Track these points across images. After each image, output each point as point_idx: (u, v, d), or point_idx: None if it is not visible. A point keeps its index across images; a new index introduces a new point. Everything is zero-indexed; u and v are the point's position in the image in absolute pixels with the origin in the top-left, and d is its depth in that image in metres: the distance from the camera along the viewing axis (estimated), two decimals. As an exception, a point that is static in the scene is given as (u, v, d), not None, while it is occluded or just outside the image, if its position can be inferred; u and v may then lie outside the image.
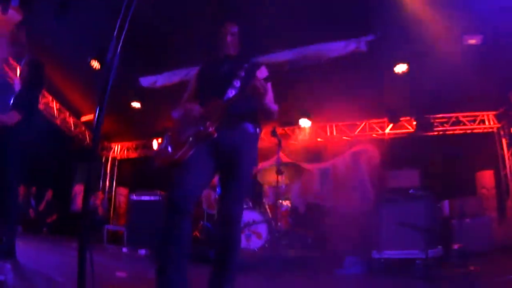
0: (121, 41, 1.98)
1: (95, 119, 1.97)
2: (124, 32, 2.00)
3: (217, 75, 3.42)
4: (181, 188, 3.00)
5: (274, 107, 3.38)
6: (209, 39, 3.69)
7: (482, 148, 9.50)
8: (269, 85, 3.21)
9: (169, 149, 3.23)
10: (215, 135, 3.13)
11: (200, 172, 3.13)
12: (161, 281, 2.81)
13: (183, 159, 3.11)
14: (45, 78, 5.65)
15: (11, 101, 5.17)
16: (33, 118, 5.25)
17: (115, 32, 1.99)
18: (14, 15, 7.49)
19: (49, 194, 12.13)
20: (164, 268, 2.85)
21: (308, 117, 10.23)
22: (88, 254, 1.98)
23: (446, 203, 8.04)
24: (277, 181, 6.99)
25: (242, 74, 3.37)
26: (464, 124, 10.03)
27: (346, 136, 11.07)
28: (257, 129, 3.40)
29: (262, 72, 3.41)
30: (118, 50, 1.94)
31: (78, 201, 13.32)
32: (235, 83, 3.32)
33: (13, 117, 5.01)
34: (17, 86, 5.42)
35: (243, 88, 3.21)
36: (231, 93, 3.27)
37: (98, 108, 1.95)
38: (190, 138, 3.15)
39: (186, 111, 3.34)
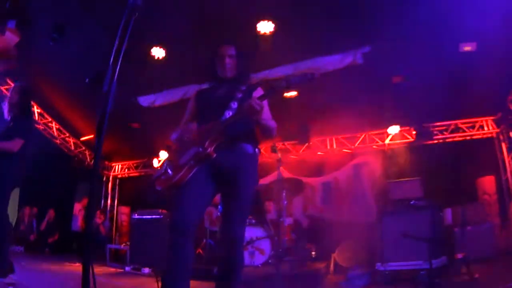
0: (117, 69, 2.00)
1: (95, 149, 1.98)
2: (119, 60, 2.02)
3: (215, 98, 3.45)
4: (182, 211, 3.02)
5: (273, 124, 3.39)
6: (207, 59, 3.69)
7: (482, 154, 9.49)
8: (265, 102, 3.23)
9: (169, 171, 3.24)
10: (214, 155, 3.14)
11: (200, 194, 3.14)
12: None
13: (183, 182, 3.12)
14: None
15: (8, 127, 5.25)
16: (30, 144, 5.35)
17: (111, 60, 2.01)
18: (11, 37, 7.53)
19: (50, 214, 12.11)
20: (168, 286, 2.87)
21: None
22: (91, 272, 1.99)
23: (448, 212, 8.02)
24: (279, 197, 7.01)
25: (239, 95, 3.39)
26: (464, 131, 10.01)
27: (346, 149, 11.06)
28: (256, 150, 3.41)
29: (259, 93, 3.41)
30: (115, 79, 1.96)
31: (79, 221, 13.33)
32: (232, 104, 3.33)
33: (17, 144, 5.13)
34: (9, 112, 5.44)
35: (240, 108, 3.22)
36: (228, 114, 3.28)
37: (97, 138, 1.96)
38: (190, 160, 3.17)
39: (185, 133, 3.36)
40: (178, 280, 2.91)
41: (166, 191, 3.24)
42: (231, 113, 3.29)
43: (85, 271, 1.93)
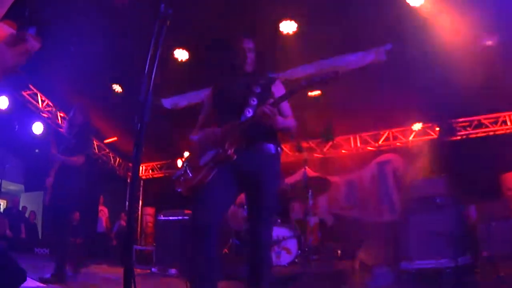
0: (152, 79, 2.02)
1: (134, 158, 2.01)
2: (154, 70, 2.04)
3: (233, 94, 3.39)
4: (203, 213, 3.01)
5: (291, 123, 3.34)
6: (227, 57, 3.64)
7: (506, 149, 9.35)
8: (286, 103, 3.22)
9: (189, 173, 3.23)
10: (234, 157, 3.10)
11: (220, 195, 3.11)
12: None
13: (203, 183, 3.10)
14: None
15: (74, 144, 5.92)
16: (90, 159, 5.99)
17: (146, 71, 2.03)
18: (33, 44, 7.63)
19: (75, 217, 12.24)
20: None
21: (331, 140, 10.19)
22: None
23: (472, 209, 7.92)
24: (305, 196, 7.01)
25: (258, 90, 3.32)
26: (487, 126, 9.90)
27: (370, 147, 11.00)
28: (278, 149, 3.35)
29: (277, 87, 3.40)
30: (151, 89, 1.98)
31: (103, 222, 13.46)
32: (251, 101, 3.27)
33: (80, 160, 5.96)
34: (70, 130, 6.06)
35: (261, 104, 3.17)
36: (249, 112, 3.23)
37: (135, 148, 1.99)
38: (209, 162, 3.15)
39: (205, 135, 3.32)
40: (206, 282, 2.92)
41: (186, 193, 3.23)
42: (250, 111, 3.23)
43: (127, 276, 1.96)
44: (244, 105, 3.27)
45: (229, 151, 3.10)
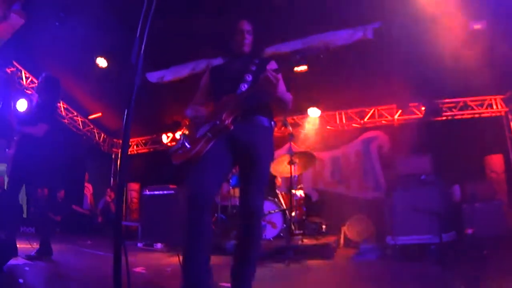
0: (144, 41, 1.99)
1: (124, 119, 1.99)
2: (146, 33, 2.01)
3: (230, 71, 3.47)
4: (200, 185, 3.03)
5: (288, 96, 3.41)
6: (214, 33, 3.69)
7: (491, 132, 9.46)
8: (280, 75, 3.23)
9: (187, 145, 3.25)
10: (231, 127, 3.17)
11: (218, 167, 3.17)
12: (187, 274, 2.88)
13: (201, 154, 3.14)
14: (61, 91, 6.12)
15: (34, 114, 5.59)
16: (55, 128, 5.73)
17: (138, 33, 2.00)
18: (16, 19, 7.51)
19: (60, 195, 12.19)
20: (189, 261, 2.91)
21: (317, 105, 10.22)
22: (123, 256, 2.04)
23: (457, 188, 8.03)
24: (290, 171, 7.04)
25: (253, 68, 3.41)
26: (472, 109, 9.98)
27: (355, 124, 11.05)
28: (272, 123, 3.42)
29: (272, 66, 3.43)
30: (142, 50, 1.96)
31: (88, 199, 13.44)
32: (247, 77, 3.36)
33: (42, 129, 5.57)
34: (36, 99, 5.83)
35: (255, 81, 3.24)
36: (244, 87, 3.30)
37: (127, 109, 1.96)
38: (207, 133, 3.19)
39: (201, 109, 3.41)
40: (199, 254, 2.94)
41: (183, 165, 3.25)
42: (246, 86, 3.31)
43: (117, 254, 1.96)
44: (239, 81, 3.35)
45: (227, 121, 3.16)
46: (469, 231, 6.29)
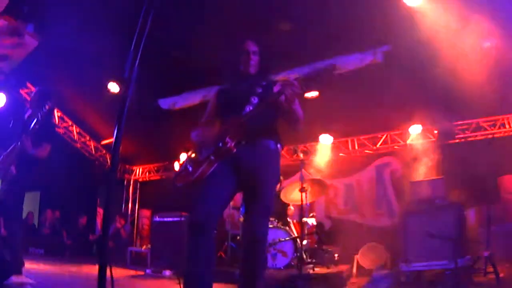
0: (139, 55, 1.96)
1: (116, 134, 1.95)
2: (141, 46, 1.98)
3: (236, 93, 3.44)
4: (202, 207, 2.99)
5: (301, 112, 3.32)
6: (226, 59, 3.67)
7: (505, 152, 9.31)
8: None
9: (189, 168, 3.21)
10: (234, 150, 3.10)
11: (220, 189, 3.11)
12: None
13: (203, 177, 3.09)
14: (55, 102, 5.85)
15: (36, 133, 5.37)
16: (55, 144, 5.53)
17: (132, 47, 1.97)
18: (30, 41, 7.59)
19: (83, 221, 12.26)
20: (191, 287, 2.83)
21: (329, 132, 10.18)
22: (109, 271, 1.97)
23: (471, 211, 7.88)
24: (302, 199, 6.93)
25: (259, 90, 3.37)
26: (485, 129, 9.85)
27: (368, 150, 10.95)
28: (278, 145, 3.34)
29: (278, 88, 3.37)
30: (136, 64, 1.93)
31: (98, 226, 13.43)
32: (252, 99, 3.31)
33: (46, 150, 5.30)
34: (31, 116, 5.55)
35: (261, 103, 3.21)
36: (249, 109, 3.26)
37: (117, 124, 1.92)
38: (210, 156, 3.13)
39: (206, 131, 3.35)
40: (200, 278, 2.87)
41: (186, 188, 3.19)
42: (251, 108, 3.25)
43: (102, 271, 1.88)
44: (245, 103, 3.31)
45: (229, 144, 3.11)
46: (485, 254, 6.12)
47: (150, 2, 2.18)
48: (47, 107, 5.24)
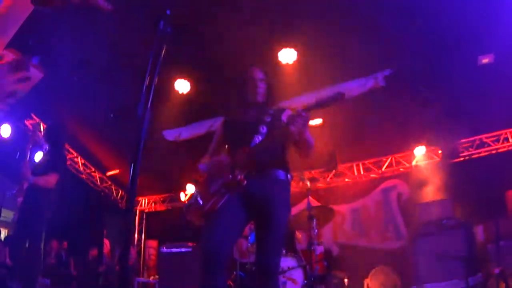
0: (151, 95, 1.98)
1: (131, 174, 1.95)
2: (153, 87, 2.01)
3: (243, 123, 3.40)
4: (214, 241, 2.95)
5: (312, 139, 3.27)
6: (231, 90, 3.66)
7: (510, 166, 9.27)
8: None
9: (200, 201, 3.17)
10: (245, 182, 3.05)
11: (231, 223, 3.06)
12: None
13: (214, 210, 3.05)
14: (66, 136, 6.00)
15: (45, 164, 5.45)
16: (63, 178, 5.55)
17: (144, 87, 1.99)
18: (35, 73, 7.65)
19: (93, 252, 12.20)
20: None
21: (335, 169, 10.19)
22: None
23: (480, 228, 7.83)
24: (309, 226, 6.91)
25: (268, 119, 3.32)
26: (489, 145, 9.85)
27: (373, 174, 10.94)
28: (288, 176, 3.31)
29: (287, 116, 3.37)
30: (149, 105, 1.95)
31: (105, 258, 13.36)
32: (261, 129, 3.26)
33: (53, 179, 5.38)
34: (43, 148, 5.71)
35: (270, 132, 3.18)
36: (258, 139, 3.21)
37: (132, 163, 1.94)
38: (220, 189, 3.10)
39: (214, 163, 3.29)
40: None
41: (196, 222, 3.17)
42: (260, 138, 3.22)
43: None
44: (254, 133, 3.25)
45: (239, 176, 3.05)
46: (497, 271, 6.06)
47: (162, 39, 2.20)
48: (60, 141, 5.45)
